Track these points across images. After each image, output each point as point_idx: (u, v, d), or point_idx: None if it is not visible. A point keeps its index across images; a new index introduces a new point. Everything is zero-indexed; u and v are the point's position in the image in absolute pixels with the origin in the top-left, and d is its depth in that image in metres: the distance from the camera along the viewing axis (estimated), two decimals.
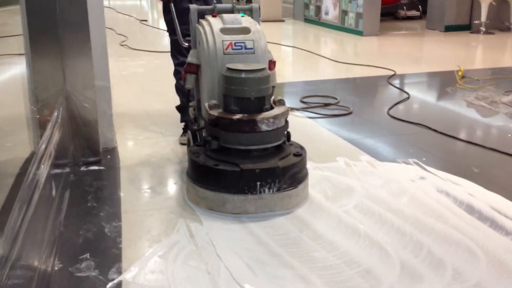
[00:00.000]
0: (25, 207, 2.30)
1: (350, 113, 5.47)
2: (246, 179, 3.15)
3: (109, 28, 10.13)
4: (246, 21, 3.57)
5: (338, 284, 2.56)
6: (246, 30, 3.49)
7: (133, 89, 6.47)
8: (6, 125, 4.68)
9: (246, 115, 3.23)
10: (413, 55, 9.34)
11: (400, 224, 3.10)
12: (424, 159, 4.15)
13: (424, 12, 12.84)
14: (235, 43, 3.41)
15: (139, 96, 6.10)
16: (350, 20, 11.35)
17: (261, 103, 3.31)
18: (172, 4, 4.06)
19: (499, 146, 4.44)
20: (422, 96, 6.52)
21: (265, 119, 3.21)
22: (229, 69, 3.28)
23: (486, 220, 3.18)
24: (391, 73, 7.29)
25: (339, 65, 8.14)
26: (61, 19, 3.79)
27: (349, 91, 6.88)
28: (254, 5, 3.87)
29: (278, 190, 3.19)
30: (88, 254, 2.78)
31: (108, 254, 2.81)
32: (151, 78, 7.07)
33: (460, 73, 6.91)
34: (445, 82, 6.85)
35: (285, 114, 3.34)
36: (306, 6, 13.11)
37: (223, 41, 3.39)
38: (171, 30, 4.40)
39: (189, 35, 3.92)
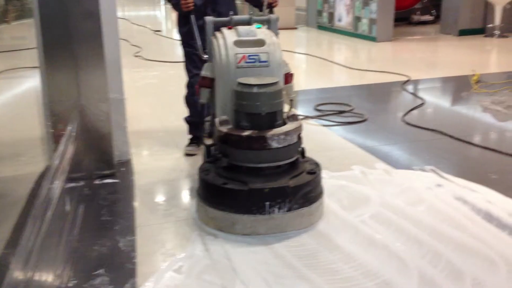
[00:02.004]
0: (39, 222, 2.29)
1: (365, 120, 5.43)
2: (255, 199, 3.03)
3: (123, 39, 10.19)
4: (261, 33, 3.44)
5: None
6: (260, 43, 3.37)
7: (147, 100, 6.48)
8: (20, 139, 4.70)
9: (256, 131, 3.11)
10: (428, 60, 9.28)
11: (418, 233, 3.06)
12: (440, 166, 4.10)
13: (437, 17, 12.77)
14: (248, 56, 3.29)
15: (153, 107, 6.10)
16: (364, 26, 11.31)
17: (273, 119, 3.17)
18: (193, 16, 4.02)
19: None
20: (437, 101, 6.46)
21: (276, 135, 3.08)
22: (239, 83, 3.17)
23: (505, 228, 3.13)
24: (406, 79, 7.24)
25: (353, 72, 8.10)
26: (75, 32, 3.80)
27: (364, 97, 6.83)
28: (272, 16, 3.76)
29: (289, 210, 3.06)
30: (102, 270, 2.77)
31: (122, 269, 2.80)
32: (166, 89, 7.08)
33: (475, 77, 6.84)
34: (460, 87, 6.79)
35: (297, 130, 3.20)
36: (319, 13, 13.10)
37: (236, 54, 3.28)
38: (185, 42, 4.40)
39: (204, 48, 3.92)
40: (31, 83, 6.26)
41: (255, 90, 3.11)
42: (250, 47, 3.33)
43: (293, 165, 3.25)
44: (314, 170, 3.25)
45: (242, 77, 3.21)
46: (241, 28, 3.44)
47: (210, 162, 3.36)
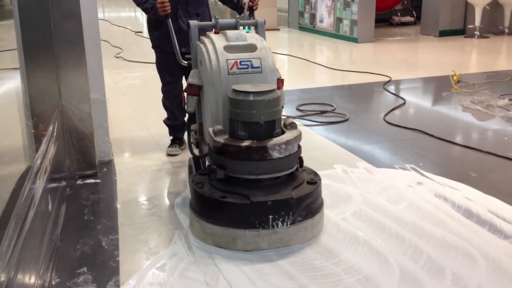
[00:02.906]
0: (21, 222, 2.29)
1: (347, 120, 5.47)
2: (257, 213, 2.85)
3: (104, 41, 10.16)
4: (251, 37, 3.31)
5: None
6: (252, 48, 3.22)
7: (129, 101, 6.47)
8: (1, 140, 4.67)
9: (255, 141, 2.93)
10: (408, 60, 9.36)
11: (399, 230, 3.10)
12: (421, 164, 4.15)
13: (418, 18, 12.87)
14: (240, 61, 3.13)
15: (135, 108, 6.10)
16: (345, 27, 11.37)
17: (271, 128, 3.00)
18: (169, 20, 3.90)
19: (496, 150, 4.45)
20: (418, 101, 6.53)
21: (277, 145, 2.91)
22: (235, 90, 2.99)
23: (484, 224, 3.18)
24: (387, 79, 7.30)
25: (335, 73, 8.15)
26: (55, 33, 3.80)
27: (345, 98, 6.88)
28: (259, 19, 3.59)
29: (293, 223, 2.89)
30: (85, 268, 2.77)
31: (105, 268, 2.80)
32: (147, 89, 7.06)
33: (455, 77, 6.92)
34: (441, 87, 6.86)
35: (297, 138, 3.04)
36: (301, 14, 13.14)
37: (227, 60, 3.12)
38: (156, 47, 4.35)
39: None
40: (11, 84, 6.23)
41: (253, 97, 2.94)
42: (241, 52, 3.20)
43: (292, 175, 3.10)
44: (315, 180, 3.12)
45: (235, 84, 3.05)
46: (229, 32, 3.30)
47: (202, 174, 3.20)
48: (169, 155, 4.46)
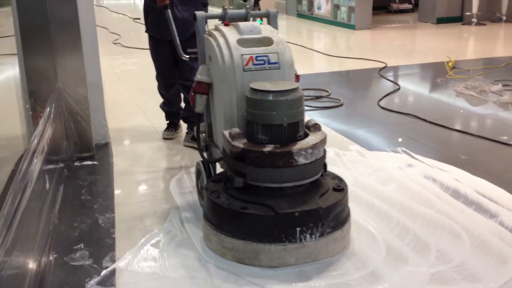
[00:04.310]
0: (17, 200, 2.35)
1: (341, 105, 5.54)
2: (283, 225, 2.58)
3: (102, 27, 10.22)
4: (265, 29, 3.01)
5: (326, 267, 2.63)
6: (267, 41, 2.93)
7: (126, 86, 6.54)
8: (0, 124, 4.75)
9: (278, 146, 2.66)
10: (405, 47, 9.41)
11: (387, 209, 3.17)
12: (412, 147, 4.22)
13: (416, 5, 12.92)
14: (256, 57, 2.84)
15: (132, 93, 6.16)
16: (343, 14, 11.42)
17: (295, 130, 2.72)
18: (169, 11, 3.69)
19: (487, 134, 4.53)
20: (412, 87, 6.59)
21: (302, 150, 2.63)
22: (253, 89, 2.70)
23: (471, 204, 3.26)
24: (382, 65, 7.36)
25: (332, 59, 8.21)
26: (52, 18, 3.86)
27: (341, 84, 6.95)
28: (271, 10, 3.28)
29: (322, 235, 2.64)
30: (82, 244, 2.86)
31: (102, 244, 2.88)
32: (144, 75, 7.09)
33: (450, 64, 6.99)
34: (436, 73, 6.93)
35: (323, 142, 2.76)
36: (299, 1, 13.18)
37: (242, 55, 2.82)
38: (149, 30, 4.29)
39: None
40: (9, 69, 6.29)
41: (274, 97, 2.66)
42: (256, 46, 2.90)
43: (316, 181, 2.81)
44: (342, 186, 2.84)
45: (251, 82, 2.78)
46: (242, 24, 2.99)
47: (216, 181, 2.92)
48: (165, 138, 4.54)
